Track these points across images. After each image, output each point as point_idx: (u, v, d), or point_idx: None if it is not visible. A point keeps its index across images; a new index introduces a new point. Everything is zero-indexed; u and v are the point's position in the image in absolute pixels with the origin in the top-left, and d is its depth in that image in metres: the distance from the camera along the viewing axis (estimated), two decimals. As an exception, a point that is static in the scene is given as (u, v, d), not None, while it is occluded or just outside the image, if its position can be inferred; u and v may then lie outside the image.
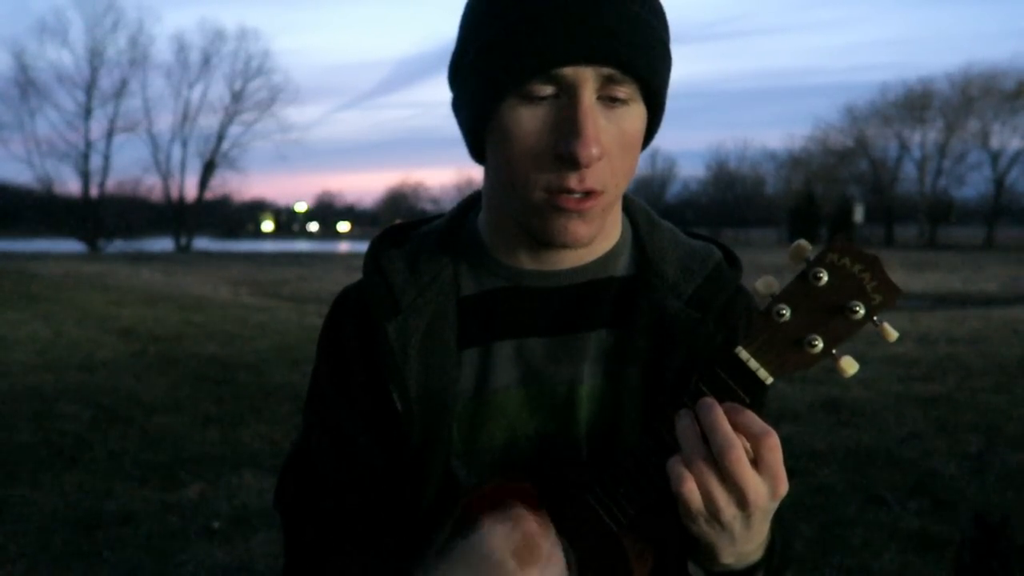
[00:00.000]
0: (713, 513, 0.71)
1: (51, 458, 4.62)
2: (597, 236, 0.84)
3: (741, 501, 0.71)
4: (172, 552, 3.45)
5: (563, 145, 0.76)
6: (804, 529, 3.61)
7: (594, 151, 0.75)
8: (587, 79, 0.75)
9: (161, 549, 3.47)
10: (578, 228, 0.80)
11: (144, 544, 3.52)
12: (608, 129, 0.78)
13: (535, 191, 0.79)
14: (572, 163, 0.76)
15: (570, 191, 0.77)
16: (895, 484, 4.23)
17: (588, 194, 0.78)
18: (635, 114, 0.79)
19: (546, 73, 0.75)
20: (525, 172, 0.79)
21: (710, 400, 0.72)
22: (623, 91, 0.77)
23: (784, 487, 0.72)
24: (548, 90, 0.76)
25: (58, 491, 4.11)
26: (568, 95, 0.76)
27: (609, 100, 0.77)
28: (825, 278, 0.73)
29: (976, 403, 5.93)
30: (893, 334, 0.71)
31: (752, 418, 0.71)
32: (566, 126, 0.76)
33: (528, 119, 0.77)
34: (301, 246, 58.11)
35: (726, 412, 0.71)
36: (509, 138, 0.78)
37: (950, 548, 3.33)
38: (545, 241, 0.82)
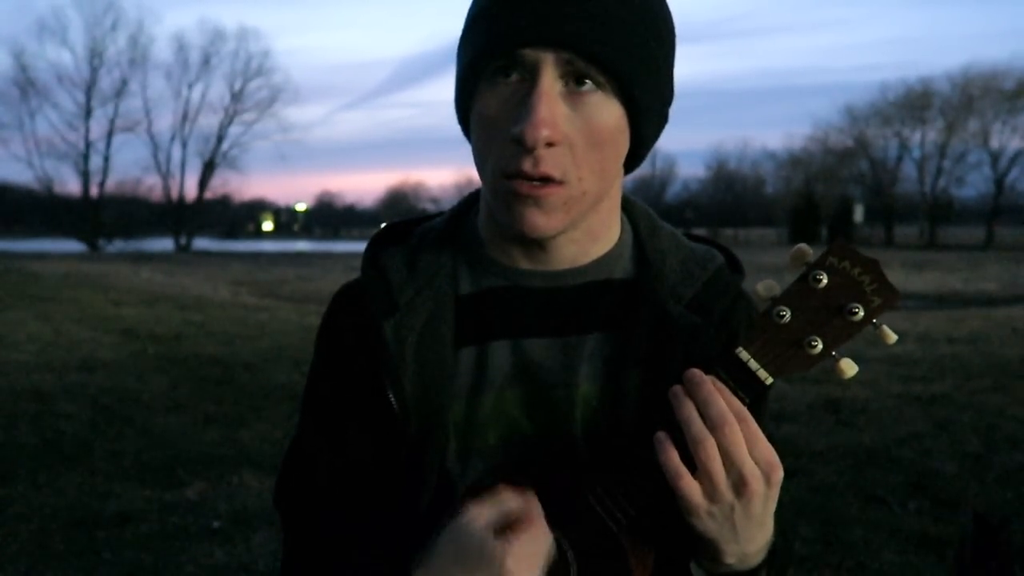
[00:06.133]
0: (712, 497, 0.72)
1: (51, 458, 4.62)
2: (561, 231, 0.81)
3: (738, 483, 0.71)
4: (172, 552, 3.45)
5: (515, 127, 0.75)
6: (804, 529, 3.61)
7: (543, 132, 0.73)
8: (546, 62, 0.75)
9: (161, 549, 3.47)
10: (535, 217, 0.78)
11: (144, 544, 3.52)
12: (572, 118, 0.76)
13: (496, 177, 0.78)
14: (522, 144, 0.74)
15: (525, 175, 0.76)
16: (895, 484, 4.23)
17: (545, 181, 0.76)
18: (604, 107, 0.77)
19: (508, 55, 0.75)
20: (487, 157, 0.79)
21: (698, 375, 0.73)
22: (588, 79, 0.76)
23: (779, 473, 0.73)
24: (513, 74, 0.76)
25: (58, 491, 4.11)
26: (530, 79, 0.76)
27: (575, 84, 0.76)
28: (825, 280, 0.73)
29: (976, 403, 5.93)
30: (892, 336, 0.72)
31: (735, 405, 0.73)
32: (520, 108, 0.75)
33: (492, 103, 0.77)
34: (301, 246, 58.12)
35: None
36: (478, 124, 0.79)
37: (950, 548, 3.33)
38: (509, 233, 0.82)
